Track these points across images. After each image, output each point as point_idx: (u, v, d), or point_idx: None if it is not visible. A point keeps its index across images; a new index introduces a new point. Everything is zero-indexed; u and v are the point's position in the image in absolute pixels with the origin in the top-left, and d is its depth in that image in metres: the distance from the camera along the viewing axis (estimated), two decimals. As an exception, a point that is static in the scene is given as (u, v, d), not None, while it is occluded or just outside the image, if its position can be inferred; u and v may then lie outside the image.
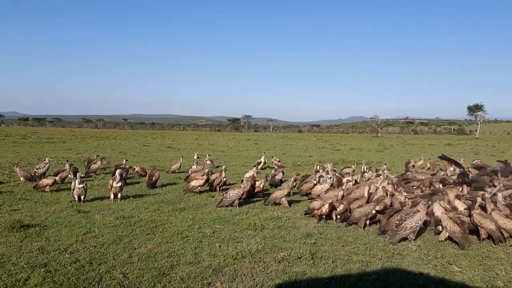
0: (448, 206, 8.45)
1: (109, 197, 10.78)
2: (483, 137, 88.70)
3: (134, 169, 15.53)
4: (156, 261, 6.31)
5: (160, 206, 10.29)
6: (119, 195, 10.74)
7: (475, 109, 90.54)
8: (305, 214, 9.36)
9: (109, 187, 10.75)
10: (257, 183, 11.63)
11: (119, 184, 10.64)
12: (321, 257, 6.62)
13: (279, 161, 19.24)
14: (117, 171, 10.87)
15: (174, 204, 10.57)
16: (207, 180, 12.21)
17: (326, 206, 8.89)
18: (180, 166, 17.17)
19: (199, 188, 11.91)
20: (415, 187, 11.06)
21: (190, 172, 14.43)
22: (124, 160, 15.80)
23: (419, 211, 7.75)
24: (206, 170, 12.87)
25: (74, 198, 10.40)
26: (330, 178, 11.26)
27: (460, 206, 8.64)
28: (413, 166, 15.10)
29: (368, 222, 8.55)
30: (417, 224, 7.52)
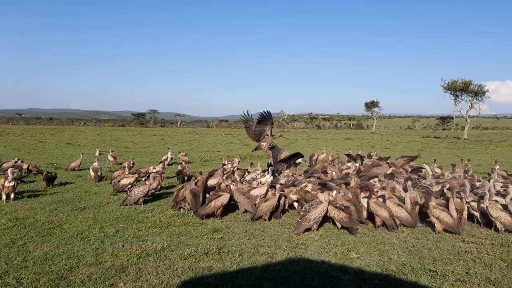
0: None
1: (0, 198, 9.91)
2: (379, 131, 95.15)
3: (28, 166, 14.43)
4: (53, 264, 5.93)
5: (58, 206, 9.66)
6: (12, 195, 9.92)
7: (371, 105, 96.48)
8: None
9: (1, 186, 9.86)
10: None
11: (11, 184, 9.83)
12: (228, 251, 6.66)
13: (186, 156, 19.02)
14: (9, 170, 10.05)
15: (73, 203, 9.98)
16: (137, 179, 11.77)
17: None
18: (80, 163, 16.29)
19: (129, 186, 11.31)
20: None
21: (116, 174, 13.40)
22: (16, 158, 14.66)
23: (322, 202, 8.09)
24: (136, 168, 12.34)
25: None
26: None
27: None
28: (316, 160, 15.77)
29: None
30: (320, 215, 7.86)
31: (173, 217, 8.76)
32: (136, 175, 11.82)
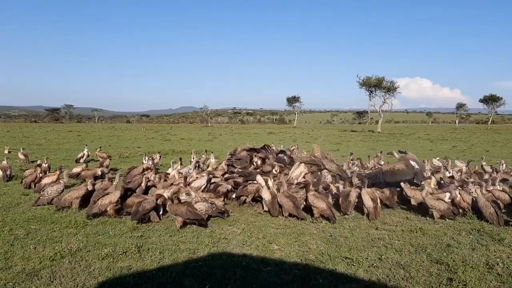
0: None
1: None
2: (300, 125, 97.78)
3: None
4: (-45, 272, 5.45)
5: (-41, 209, 8.88)
6: None
7: (293, 100, 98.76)
8: None
9: None
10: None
11: None
12: (148, 249, 6.51)
13: (102, 152, 18.22)
14: None
15: (-22, 205, 9.22)
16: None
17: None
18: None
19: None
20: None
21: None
22: None
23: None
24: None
25: None
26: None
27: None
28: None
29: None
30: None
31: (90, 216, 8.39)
32: (58, 172, 10.79)
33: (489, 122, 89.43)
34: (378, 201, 8.74)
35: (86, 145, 18.85)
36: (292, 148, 16.09)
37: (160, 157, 15.66)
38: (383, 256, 6.33)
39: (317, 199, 8.38)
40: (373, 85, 63.94)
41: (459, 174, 11.34)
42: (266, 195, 8.76)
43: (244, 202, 9.53)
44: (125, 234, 7.31)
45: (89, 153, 17.77)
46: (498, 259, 6.17)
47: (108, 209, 8.27)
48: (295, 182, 9.73)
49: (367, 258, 6.23)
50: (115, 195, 8.42)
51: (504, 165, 12.50)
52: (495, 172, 11.51)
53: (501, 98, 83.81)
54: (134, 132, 52.98)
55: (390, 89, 63.45)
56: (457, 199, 8.63)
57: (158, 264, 5.96)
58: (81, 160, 16.79)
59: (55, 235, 7.18)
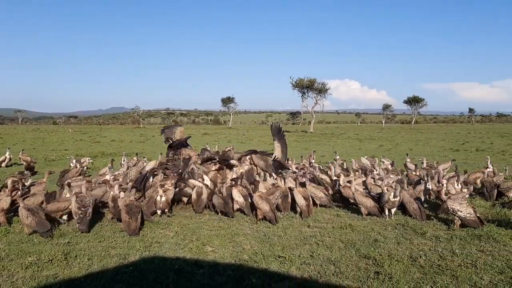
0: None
1: None
2: (235, 126, 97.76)
3: None
4: None
5: None
6: None
7: (227, 101, 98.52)
8: None
9: None
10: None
11: None
12: (76, 256, 6.24)
13: (26, 155, 17.15)
14: None
15: None
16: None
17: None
18: None
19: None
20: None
21: None
22: None
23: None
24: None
25: None
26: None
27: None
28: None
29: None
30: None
31: (13, 223, 7.92)
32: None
33: (413, 122, 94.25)
34: (311, 199, 8.96)
35: (8, 148, 17.70)
36: (227, 149, 16.09)
37: (89, 161, 15.05)
38: (314, 253, 6.49)
39: (261, 201, 8.36)
40: (306, 87, 65.36)
41: (385, 171, 11.90)
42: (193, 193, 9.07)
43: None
44: (50, 241, 6.96)
45: (11, 156, 16.71)
46: (421, 252, 6.52)
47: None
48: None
49: (299, 256, 6.36)
50: (6, 202, 7.94)
51: (425, 162, 13.25)
52: (418, 170, 12.18)
53: (423, 100, 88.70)
54: (61, 134, 50.48)
55: (322, 90, 65.18)
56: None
57: (86, 271, 5.73)
58: (3, 164, 15.79)
59: (-28, 245, 6.69)
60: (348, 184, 9.46)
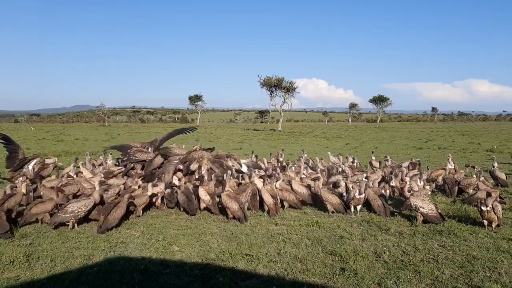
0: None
1: None
2: (203, 124, 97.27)
3: None
4: None
5: None
6: None
7: (195, 99, 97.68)
8: None
9: None
10: None
11: None
12: (38, 257, 6.09)
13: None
14: None
15: None
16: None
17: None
18: None
19: None
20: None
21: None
22: None
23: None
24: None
25: None
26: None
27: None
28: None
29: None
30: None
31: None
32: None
33: (378, 121, 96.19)
34: (278, 197, 9.01)
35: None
36: (195, 148, 15.97)
37: (56, 161, 14.60)
38: (281, 251, 6.54)
39: (230, 200, 8.30)
40: (274, 85, 65.61)
41: (350, 169, 12.10)
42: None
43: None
44: (12, 243, 6.78)
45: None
46: (385, 248, 6.67)
47: None
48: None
49: (266, 254, 6.39)
50: None
51: (390, 160, 13.54)
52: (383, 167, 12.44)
53: (388, 99, 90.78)
54: (23, 132, 48.94)
55: (290, 89, 65.56)
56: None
57: (49, 272, 5.60)
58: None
59: None
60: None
